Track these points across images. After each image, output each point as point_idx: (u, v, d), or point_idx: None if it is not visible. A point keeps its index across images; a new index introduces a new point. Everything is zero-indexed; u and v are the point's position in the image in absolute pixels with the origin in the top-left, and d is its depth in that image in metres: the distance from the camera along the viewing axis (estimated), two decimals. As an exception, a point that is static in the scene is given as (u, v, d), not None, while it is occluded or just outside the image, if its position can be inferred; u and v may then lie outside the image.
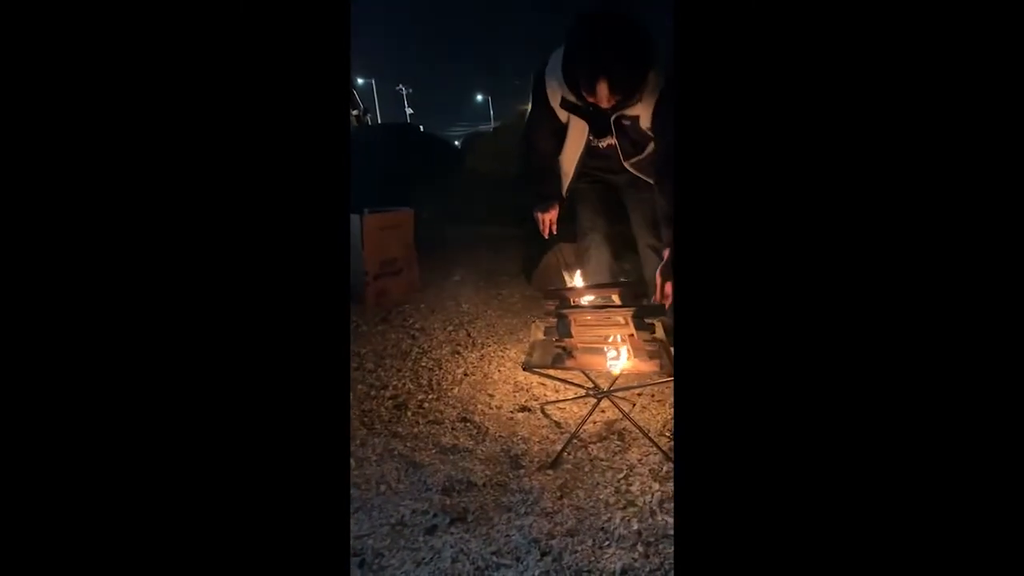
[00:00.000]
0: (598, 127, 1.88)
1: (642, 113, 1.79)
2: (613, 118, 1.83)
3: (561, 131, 1.97)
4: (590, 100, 1.71)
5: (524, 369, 1.65)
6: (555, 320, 1.80)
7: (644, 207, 2.02)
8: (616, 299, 1.76)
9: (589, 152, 1.96)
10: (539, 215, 2.09)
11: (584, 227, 2.17)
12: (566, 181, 2.06)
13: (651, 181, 1.93)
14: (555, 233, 2.09)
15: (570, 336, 1.67)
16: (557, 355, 1.66)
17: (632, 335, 1.65)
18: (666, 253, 1.78)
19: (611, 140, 1.90)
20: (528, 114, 2.03)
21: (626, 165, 1.95)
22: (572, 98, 1.79)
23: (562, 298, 1.79)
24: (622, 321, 1.72)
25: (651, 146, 1.88)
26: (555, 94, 1.85)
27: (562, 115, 1.90)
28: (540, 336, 1.79)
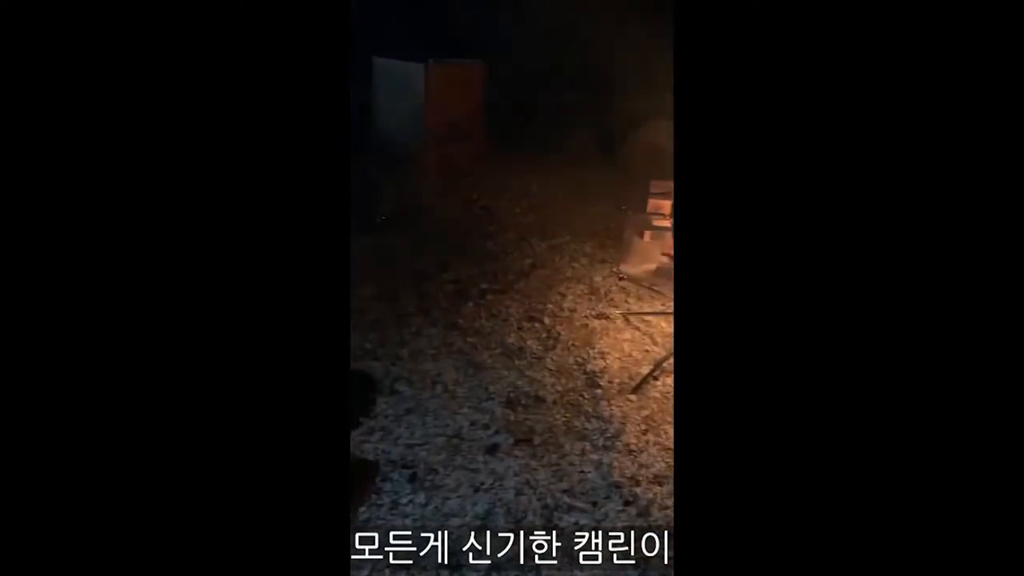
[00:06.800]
0: None
1: None
2: None
3: None
4: None
5: (620, 279, 1.33)
6: (661, 216, 1.43)
7: None
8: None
9: None
10: None
11: None
12: None
13: None
14: None
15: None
16: (664, 266, 1.33)
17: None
18: None
19: None
20: None
21: None
22: None
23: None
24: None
25: None
26: None
27: None
28: (642, 237, 1.44)
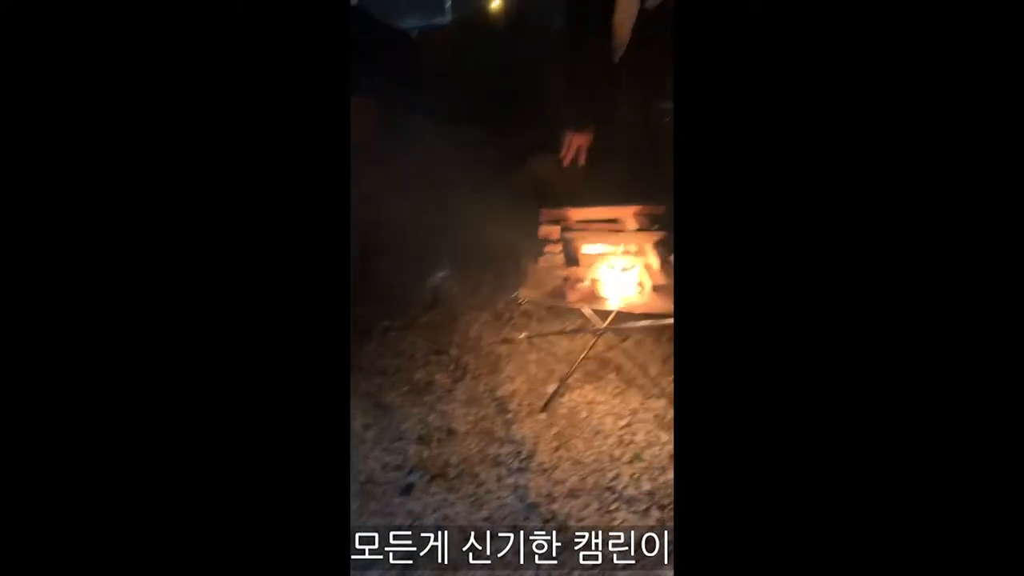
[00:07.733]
0: None
1: None
2: None
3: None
4: None
5: (519, 303, 1.38)
6: (552, 242, 1.51)
7: None
8: (632, 221, 1.49)
9: (642, 19, 1.58)
10: (570, 135, 1.74)
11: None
12: (617, 53, 1.68)
13: None
14: (581, 164, 1.76)
15: (576, 264, 1.40)
16: (557, 287, 1.40)
17: (649, 266, 1.40)
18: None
19: None
20: None
21: None
22: None
23: (566, 218, 1.50)
24: (635, 250, 1.46)
25: None
26: None
27: None
28: (536, 263, 1.51)
